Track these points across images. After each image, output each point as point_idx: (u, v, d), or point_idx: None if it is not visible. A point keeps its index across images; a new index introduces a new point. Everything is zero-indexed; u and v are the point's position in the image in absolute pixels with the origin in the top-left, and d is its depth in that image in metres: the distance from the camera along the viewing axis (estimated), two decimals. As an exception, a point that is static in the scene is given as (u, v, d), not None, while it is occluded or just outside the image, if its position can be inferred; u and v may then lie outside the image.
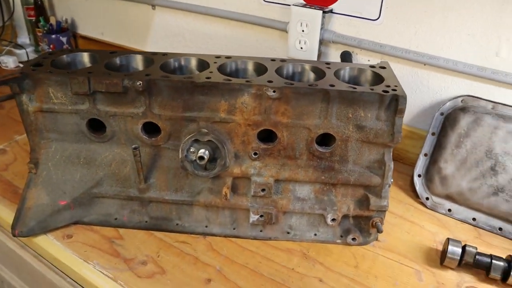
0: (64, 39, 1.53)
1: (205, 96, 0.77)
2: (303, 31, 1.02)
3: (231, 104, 0.77)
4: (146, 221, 0.87)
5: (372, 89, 0.74)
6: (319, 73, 0.82)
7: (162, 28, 1.34)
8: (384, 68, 0.85)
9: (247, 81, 0.75)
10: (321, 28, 1.02)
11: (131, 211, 0.88)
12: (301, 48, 1.04)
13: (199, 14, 1.22)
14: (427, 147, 0.97)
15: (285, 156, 0.81)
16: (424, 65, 0.96)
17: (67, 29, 1.55)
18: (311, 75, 0.84)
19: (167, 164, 0.84)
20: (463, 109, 0.92)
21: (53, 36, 1.51)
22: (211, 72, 0.80)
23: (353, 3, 0.98)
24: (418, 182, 0.97)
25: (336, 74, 0.81)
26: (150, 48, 1.40)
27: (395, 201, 0.96)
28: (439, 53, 0.94)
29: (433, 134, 0.96)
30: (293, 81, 0.76)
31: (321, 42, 1.05)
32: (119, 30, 1.45)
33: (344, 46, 1.04)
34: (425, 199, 0.95)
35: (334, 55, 1.07)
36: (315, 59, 1.04)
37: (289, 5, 1.03)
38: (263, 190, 0.81)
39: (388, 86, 0.76)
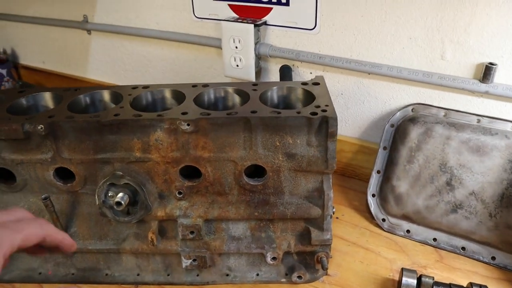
0: (4, 71, 1.45)
1: (116, 135, 0.69)
2: (236, 47, 0.94)
3: (145, 142, 0.69)
4: (73, 274, 0.79)
5: (298, 112, 0.66)
6: (245, 97, 0.74)
7: (100, 53, 1.26)
8: (317, 84, 0.77)
9: (158, 116, 0.67)
10: (257, 43, 0.94)
11: (56, 264, 0.79)
12: (237, 65, 0.96)
13: (133, 36, 1.14)
14: (380, 163, 0.89)
15: (213, 192, 0.73)
16: (369, 74, 0.88)
17: (7, 60, 1.46)
18: (236, 99, 0.76)
19: (87, 211, 0.76)
20: (413, 120, 0.84)
21: (-8, 69, 1.42)
22: (121, 107, 0.71)
23: (288, 12, 0.91)
24: (372, 203, 0.89)
25: (263, 96, 0.73)
26: (92, 75, 1.32)
27: (349, 225, 0.88)
28: (382, 60, 0.86)
29: (384, 148, 0.88)
30: (210, 111, 0.67)
31: (259, 57, 0.97)
32: (60, 58, 1.36)
33: (283, 60, 0.96)
34: (381, 221, 0.87)
35: (274, 70, 0.99)
36: (253, 76, 0.96)
37: (222, 20, 0.95)
38: (191, 232, 0.73)
39: (318, 107, 0.68)
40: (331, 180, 0.71)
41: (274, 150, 0.68)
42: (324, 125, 0.65)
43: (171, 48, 1.12)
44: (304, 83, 0.76)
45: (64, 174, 0.73)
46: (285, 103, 0.76)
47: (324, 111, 0.66)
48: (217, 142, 0.68)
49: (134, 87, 0.78)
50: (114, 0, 1.13)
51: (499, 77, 0.78)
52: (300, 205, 0.72)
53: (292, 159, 0.68)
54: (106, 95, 0.78)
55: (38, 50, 1.41)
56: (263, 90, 0.74)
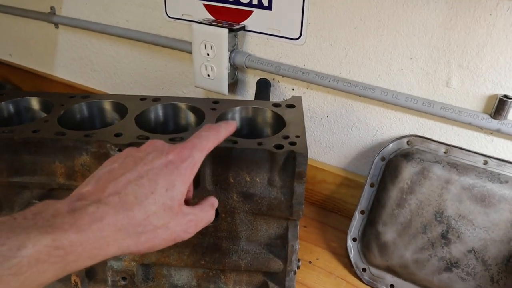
0: (-32, 62, 1.32)
1: (35, 156, 0.56)
2: (208, 54, 0.80)
3: (69, 166, 0.56)
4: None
5: (259, 144, 0.52)
6: (201, 118, 0.60)
7: (68, 49, 1.13)
8: (292, 106, 0.63)
9: (85, 136, 0.54)
10: (232, 50, 0.81)
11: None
12: (208, 75, 0.82)
13: (102, 33, 1.01)
14: (365, 202, 0.75)
15: (154, 231, 0.59)
16: (359, 96, 0.74)
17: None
18: (191, 119, 0.63)
19: (2, 242, 0.62)
20: (407, 156, 0.70)
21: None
22: (46, 121, 0.58)
23: (270, 18, 0.77)
24: (353, 248, 0.75)
25: (222, 118, 0.60)
26: (59, 72, 1.19)
27: (323, 272, 0.74)
28: (376, 81, 0.73)
29: (371, 185, 0.75)
30: (150, 134, 0.54)
31: (235, 67, 0.84)
32: (27, 52, 1.23)
33: (262, 73, 0.82)
34: (361, 271, 0.73)
35: (252, 83, 0.85)
36: (226, 89, 0.82)
37: (196, 21, 0.82)
38: (123, 278, 0.59)
39: (287, 138, 0.54)
40: (297, 228, 0.57)
41: (227, 188, 0.55)
42: (291, 162, 0.52)
43: (141, 50, 0.98)
44: (276, 104, 0.63)
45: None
46: (250, 127, 0.63)
47: (292, 143, 0.53)
48: (156, 173, 0.54)
49: (72, 96, 0.64)
50: (82, -9, 1.00)
51: (515, 113, 0.64)
52: (258, 255, 0.58)
53: (249, 200, 0.55)
54: (35, 103, 0.64)
55: (6, 42, 1.28)
56: (223, 110, 0.60)
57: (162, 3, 0.88)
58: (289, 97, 0.80)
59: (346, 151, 0.82)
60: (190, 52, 0.86)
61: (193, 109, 0.61)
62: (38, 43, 1.18)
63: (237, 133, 0.62)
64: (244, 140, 0.53)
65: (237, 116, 0.62)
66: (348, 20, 0.71)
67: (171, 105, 0.62)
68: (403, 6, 0.66)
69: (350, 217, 0.77)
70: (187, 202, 0.43)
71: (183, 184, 0.39)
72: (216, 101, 0.63)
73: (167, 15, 0.89)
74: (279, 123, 0.60)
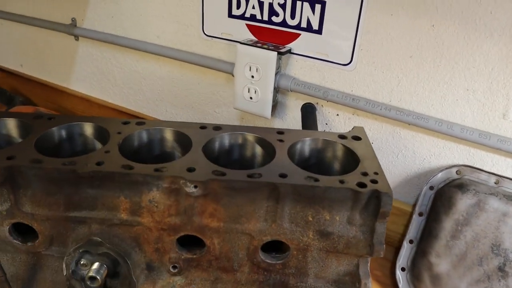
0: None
1: (97, 190, 0.53)
2: (252, 76, 0.78)
3: (135, 202, 0.52)
4: None
5: (342, 182, 0.51)
6: (268, 149, 0.58)
7: (88, 63, 1.08)
8: (359, 139, 0.61)
9: (156, 170, 0.51)
10: (277, 73, 0.79)
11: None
12: (251, 98, 0.80)
13: (128, 48, 0.97)
14: (413, 231, 0.74)
15: (218, 268, 0.57)
16: (409, 124, 0.74)
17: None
18: (258, 150, 0.60)
19: (51, 278, 0.59)
20: (461, 187, 0.69)
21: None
22: (107, 152, 0.55)
23: (319, 42, 0.76)
24: (401, 278, 0.74)
25: (292, 150, 0.58)
26: (75, 86, 1.14)
27: (373, 304, 0.72)
28: (428, 111, 0.72)
29: (420, 214, 0.74)
30: (225, 169, 0.51)
31: (277, 90, 0.82)
32: (40, 63, 1.18)
33: (306, 97, 0.80)
34: (412, 302, 0.72)
35: (293, 106, 0.83)
36: (269, 113, 0.80)
37: (237, 41, 0.80)
38: (186, 316, 0.56)
39: (366, 175, 0.53)
40: (369, 265, 0.56)
41: (304, 226, 0.53)
42: (374, 201, 0.50)
43: (171, 67, 0.95)
44: (342, 136, 0.61)
45: (26, 229, 0.57)
46: (318, 160, 0.61)
47: (374, 181, 0.51)
48: (231, 210, 0.52)
49: (125, 122, 0.61)
50: (109, 4, 0.97)
51: None
52: (327, 293, 0.56)
53: (326, 238, 0.53)
54: (88, 129, 0.61)
55: (17, 51, 1.22)
56: (291, 142, 0.58)
57: (199, 20, 0.86)
58: (334, 122, 0.79)
59: (391, 178, 0.81)
60: (227, 72, 0.84)
61: (260, 141, 0.59)
62: (54, 55, 1.13)
63: (305, 163, 0.60)
64: (325, 178, 0.51)
65: (307, 148, 0.60)
66: (404, 49, 0.70)
67: (238, 135, 0.59)
68: (464, 38, 0.65)
69: (392, 245, 0.76)
70: None
71: None
72: (280, 132, 0.61)
73: (204, 32, 0.87)
74: (347, 157, 0.59)
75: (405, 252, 0.74)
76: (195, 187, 0.50)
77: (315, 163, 0.61)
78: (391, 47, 0.71)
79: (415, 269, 0.73)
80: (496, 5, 0.61)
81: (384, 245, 0.52)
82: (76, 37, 1.06)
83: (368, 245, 0.52)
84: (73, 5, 1.02)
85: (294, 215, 0.52)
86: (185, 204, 0.52)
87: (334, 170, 0.60)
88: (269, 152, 0.57)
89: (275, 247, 0.57)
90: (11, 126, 0.61)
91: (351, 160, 0.57)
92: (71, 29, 1.04)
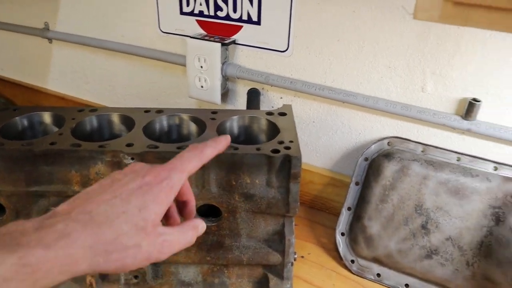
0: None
1: (52, 166, 0.61)
2: (201, 67, 0.86)
3: (84, 175, 0.61)
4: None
5: (258, 149, 0.59)
6: (202, 127, 0.66)
7: (62, 64, 1.17)
8: (284, 114, 0.69)
9: (100, 147, 0.59)
10: (224, 63, 0.87)
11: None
12: (202, 86, 0.88)
13: (97, 48, 1.06)
14: (351, 199, 0.82)
15: (162, 232, 0.64)
16: (343, 102, 0.81)
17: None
18: (193, 128, 0.68)
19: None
20: (388, 156, 0.77)
21: None
22: (60, 134, 0.63)
23: (259, 32, 0.83)
24: (341, 242, 0.81)
25: (222, 126, 0.66)
26: (52, 85, 1.23)
27: (315, 266, 0.80)
28: (358, 89, 0.80)
29: (357, 183, 0.81)
30: (159, 143, 0.60)
31: (226, 78, 0.90)
32: (19, 65, 1.27)
33: (252, 83, 0.88)
34: (350, 263, 0.80)
35: (242, 92, 0.91)
36: (218, 99, 0.88)
37: (188, 36, 0.88)
38: (135, 276, 0.65)
39: (281, 143, 0.61)
40: (293, 224, 0.64)
41: (230, 190, 0.61)
42: (287, 164, 0.58)
43: (136, 63, 1.03)
44: (269, 113, 0.69)
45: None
46: (247, 134, 0.69)
47: (287, 148, 0.59)
48: (165, 178, 0.60)
49: (80, 110, 0.70)
50: (78, 9, 1.05)
51: (483, 115, 0.72)
52: (258, 250, 0.64)
53: (250, 200, 0.61)
54: (47, 117, 0.69)
55: (-2, 56, 1.31)
56: (222, 120, 0.66)
57: (156, 19, 0.94)
58: (278, 105, 0.87)
59: (331, 153, 0.88)
60: (184, 65, 0.92)
61: (194, 119, 0.67)
62: (31, 58, 1.22)
63: (235, 139, 0.68)
64: (244, 146, 0.59)
65: (235, 124, 0.68)
66: (332, 34, 0.78)
67: (175, 116, 0.67)
68: (381, 21, 0.73)
69: (337, 215, 0.83)
70: (172, 225, 0.44)
71: (158, 204, 0.39)
72: (214, 112, 0.69)
73: (161, 30, 0.95)
74: (273, 130, 0.67)
75: (344, 219, 0.82)
76: (132, 159, 0.58)
77: (245, 137, 0.69)
78: (321, 32, 0.79)
79: (352, 233, 0.80)
80: (403, -10, 0.69)
81: (298, 204, 0.60)
82: (50, 40, 1.14)
83: (286, 204, 0.60)
84: (46, 10, 1.10)
85: (219, 181, 0.60)
86: (125, 175, 0.60)
87: (261, 142, 0.68)
88: (203, 129, 0.65)
89: (212, 213, 0.65)
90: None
91: (275, 133, 0.65)
92: (45, 32, 1.12)
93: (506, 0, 0.34)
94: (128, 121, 0.67)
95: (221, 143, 0.48)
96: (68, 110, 0.70)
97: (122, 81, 1.08)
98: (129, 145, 0.59)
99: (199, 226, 0.44)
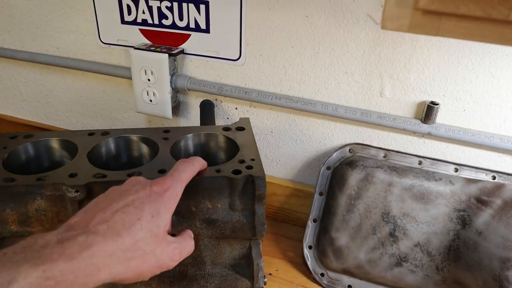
0: None
1: (-19, 205, 0.53)
2: (149, 80, 0.80)
3: (22, 212, 0.53)
4: None
5: (217, 171, 0.54)
6: (154, 148, 0.60)
7: (-8, 80, 1.06)
8: (242, 129, 0.65)
9: (38, 179, 0.52)
10: (173, 74, 0.81)
11: None
12: (151, 100, 0.82)
13: (29, 62, 0.96)
14: (316, 210, 0.79)
15: (117, 267, 0.58)
16: (300, 111, 0.78)
17: None
18: (145, 151, 0.62)
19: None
20: (351, 164, 0.75)
21: None
22: (-11, 167, 0.55)
23: (208, 40, 0.78)
24: (309, 255, 0.78)
25: (176, 147, 0.60)
26: (-18, 104, 1.12)
27: (285, 283, 0.77)
28: (316, 96, 0.77)
29: (321, 194, 0.78)
30: (106, 172, 0.53)
31: (177, 90, 0.84)
32: None
33: (205, 94, 0.83)
34: (319, 276, 0.77)
35: (194, 104, 0.86)
36: (169, 113, 0.82)
37: (131, 47, 0.81)
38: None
39: (242, 162, 0.56)
40: (260, 247, 0.59)
41: (190, 217, 0.55)
42: (250, 185, 0.54)
43: (75, 77, 0.95)
44: (226, 128, 0.65)
45: None
46: (203, 152, 0.64)
47: (249, 167, 0.55)
48: (117, 210, 0.54)
49: (13, 136, 0.62)
50: (4, 19, 0.95)
51: (441, 117, 0.71)
52: (225, 277, 0.60)
53: (212, 225, 0.56)
54: (-26, 147, 0.61)
55: None
56: (175, 140, 0.61)
57: (95, 29, 0.87)
58: (233, 115, 0.83)
59: (293, 163, 0.85)
60: (128, 78, 0.86)
61: (145, 140, 0.61)
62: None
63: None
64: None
65: (190, 143, 0.63)
66: (285, 40, 0.74)
67: (122, 138, 0.61)
68: (336, 26, 0.70)
69: (302, 226, 0.80)
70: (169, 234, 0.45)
71: (168, 211, 0.42)
72: (166, 130, 0.63)
73: (101, 40, 0.88)
74: (232, 146, 0.62)
75: (310, 231, 0.79)
76: (77, 191, 0.52)
77: (201, 155, 0.64)
78: (273, 39, 0.75)
79: (319, 246, 0.77)
80: (356, -7, 0.66)
81: (266, 226, 0.56)
82: (-24, 55, 1.03)
83: (252, 227, 0.56)
84: (-32, 23, 1.00)
85: (178, 208, 0.54)
86: (72, 209, 0.53)
87: (219, 161, 0.64)
88: (155, 151, 0.59)
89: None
90: None
91: (234, 150, 0.60)
92: (-31, 47, 1.01)
93: (481, 9, 0.32)
94: (70, 147, 0.60)
95: (203, 161, 0.52)
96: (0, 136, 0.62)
97: (61, 97, 1.00)
98: (72, 175, 0.53)
99: (192, 234, 0.49)
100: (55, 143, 0.61)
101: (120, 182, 0.51)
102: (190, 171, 0.48)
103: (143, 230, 0.39)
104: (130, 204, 0.40)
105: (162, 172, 0.53)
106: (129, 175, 0.53)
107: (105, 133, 0.62)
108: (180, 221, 0.55)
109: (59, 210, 0.53)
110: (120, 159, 0.63)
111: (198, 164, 0.50)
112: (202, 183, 0.53)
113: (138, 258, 0.38)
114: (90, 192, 0.52)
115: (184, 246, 0.45)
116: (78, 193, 0.51)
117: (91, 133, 0.62)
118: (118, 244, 0.36)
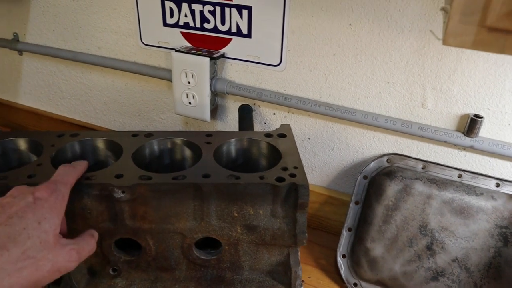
0: None
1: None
2: (189, 82, 0.81)
3: (69, 209, 0.54)
4: None
5: (261, 178, 0.54)
6: (197, 151, 0.61)
7: (34, 77, 1.09)
8: (284, 136, 0.65)
9: (86, 179, 0.53)
10: (212, 78, 0.82)
11: None
12: (190, 103, 0.83)
13: (71, 60, 0.99)
14: (351, 219, 0.78)
15: (156, 267, 0.59)
16: (339, 119, 0.78)
17: None
18: (187, 154, 0.63)
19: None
20: (389, 174, 0.74)
21: None
22: (39, 164, 0.57)
23: (249, 45, 0.79)
24: (343, 265, 0.78)
25: (218, 151, 0.61)
26: (23, 100, 1.15)
27: (316, 291, 0.76)
28: (355, 104, 0.76)
29: (356, 203, 0.78)
30: (151, 174, 0.54)
31: (216, 94, 0.85)
32: (-14, 79, 1.18)
33: (243, 98, 0.84)
34: (352, 286, 0.76)
35: (232, 108, 0.86)
36: (208, 116, 0.83)
37: (173, 49, 0.82)
38: (127, 317, 0.59)
39: (285, 169, 0.56)
40: (298, 254, 0.59)
41: (231, 222, 0.56)
42: (293, 193, 0.54)
43: (115, 77, 0.97)
44: (268, 135, 0.65)
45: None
46: (245, 157, 0.64)
47: (292, 175, 0.55)
48: (160, 212, 0.55)
49: (60, 135, 0.63)
50: (50, 18, 0.98)
51: (485, 131, 0.69)
52: (262, 283, 0.60)
53: (253, 231, 0.56)
54: (22, 144, 0.62)
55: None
56: (218, 144, 0.61)
57: (137, 31, 0.88)
58: (271, 121, 0.83)
59: (328, 170, 0.85)
60: (167, 79, 0.87)
61: (188, 143, 0.62)
62: (0, 70, 1.13)
63: (233, 163, 0.63)
64: (246, 175, 0.54)
65: (233, 148, 0.63)
66: (327, 47, 0.74)
67: (166, 140, 0.62)
68: (379, 35, 0.69)
69: (334, 234, 0.80)
70: (64, 236, 0.45)
71: (55, 215, 0.42)
72: (209, 134, 0.64)
73: (142, 42, 0.89)
74: (274, 153, 0.62)
75: (345, 240, 0.78)
76: (123, 192, 0.53)
77: (243, 161, 0.64)
78: (315, 46, 0.75)
79: (354, 255, 0.77)
80: (403, 3, 0.66)
81: (307, 234, 0.56)
82: (20, 52, 1.07)
83: (293, 235, 0.56)
84: (14, 20, 1.03)
85: (220, 212, 0.55)
86: (116, 209, 0.54)
87: (261, 167, 0.64)
88: (198, 154, 0.60)
89: (210, 243, 0.60)
90: None
91: (276, 156, 0.61)
92: (14, 44, 1.04)
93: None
94: (114, 147, 0.61)
95: (84, 164, 0.53)
96: (46, 135, 0.63)
97: (100, 96, 1.02)
98: (118, 176, 0.54)
99: (95, 233, 0.50)
100: (100, 143, 0.62)
101: (165, 185, 0.53)
102: (73, 172, 0.49)
103: (30, 238, 0.39)
104: (14, 215, 0.39)
105: (206, 176, 0.54)
106: (174, 178, 0.53)
107: (149, 134, 0.63)
108: (221, 225, 0.56)
109: (103, 209, 0.54)
110: (163, 161, 0.64)
111: (80, 167, 0.51)
112: (245, 189, 0.53)
113: (30, 266, 0.38)
114: (135, 193, 0.53)
115: (82, 246, 0.45)
116: (124, 194, 0.52)
117: (135, 134, 0.63)
118: (5, 258, 0.36)
